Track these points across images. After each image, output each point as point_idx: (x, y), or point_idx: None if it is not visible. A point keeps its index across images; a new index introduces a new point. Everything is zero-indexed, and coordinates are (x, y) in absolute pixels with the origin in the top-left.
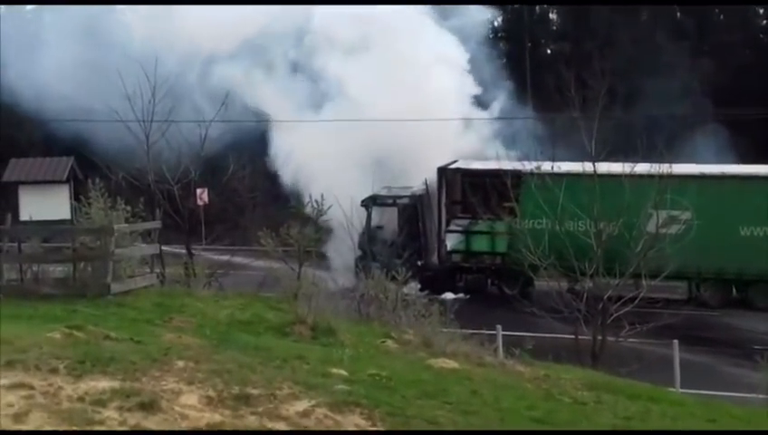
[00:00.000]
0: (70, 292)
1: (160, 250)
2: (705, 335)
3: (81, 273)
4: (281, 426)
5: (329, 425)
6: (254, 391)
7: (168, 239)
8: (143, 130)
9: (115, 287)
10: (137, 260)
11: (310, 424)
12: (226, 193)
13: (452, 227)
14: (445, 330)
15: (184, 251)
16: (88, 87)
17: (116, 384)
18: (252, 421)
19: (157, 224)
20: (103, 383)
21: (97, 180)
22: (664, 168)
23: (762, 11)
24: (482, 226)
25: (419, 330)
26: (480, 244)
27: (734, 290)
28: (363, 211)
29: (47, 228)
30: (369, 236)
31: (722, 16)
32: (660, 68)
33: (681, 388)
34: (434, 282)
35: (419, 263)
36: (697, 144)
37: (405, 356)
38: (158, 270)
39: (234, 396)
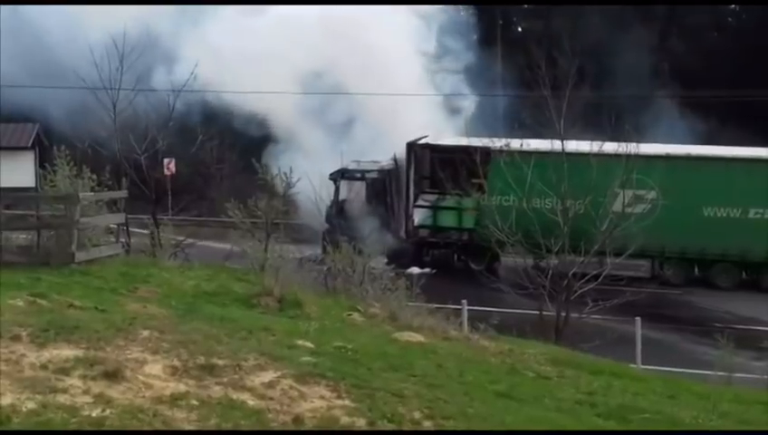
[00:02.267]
0: (34, 260)
1: (126, 219)
2: (666, 313)
3: (45, 241)
4: (246, 397)
5: (294, 396)
6: (220, 362)
7: (134, 209)
8: (110, 98)
9: (80, 256)
10: (102, 229)
11: (275, 395)
12: (194, 164)
13: (420, 203)
14: (411, 304)
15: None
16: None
17: (80, 353)
18: (217, 392)
19: (123, 193)
20: (67, 352)
21: (62, 148)
22: (631, 147)
23: None
24: (450, 201)
25: (386, 304)
26: (447, 219)
27: (696, 269)
28: (332, 184)
29: (10, 195)
30: (337, 210)
31: None
32: (629, 49)
33: (642, 364)
34: (401, 256)
35: (386, 237)
36: (664, 125)
37: (371, 329)
38: (123, 239)
39: (199, 366)
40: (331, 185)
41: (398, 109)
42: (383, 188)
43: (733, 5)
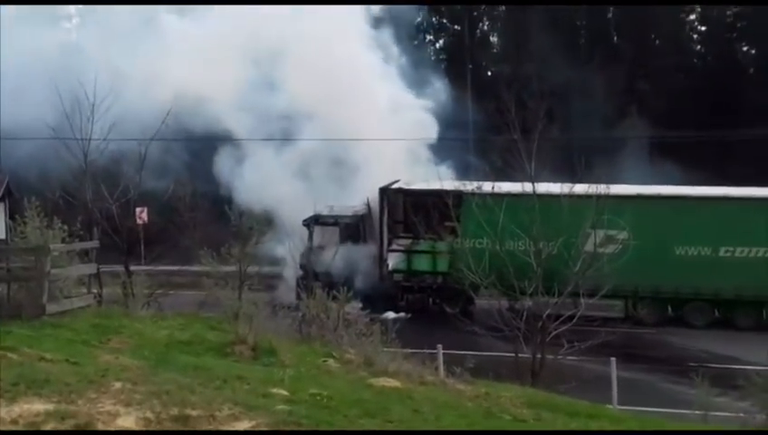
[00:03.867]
0: (4, 313)
1: (98, 270)
2: (641, 353)
3: (15, 293)
4: None
5: None
6: (194, 413)
7: (106, 259)
8: (81, 148)
9: (51, 308)
10: (73, 280)
11: None
12: (166, 212)
13: (394, 247)
14: (386, 349)
15: (123, 270)
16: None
17: (51, 407)
18: None
19: (94, 243)
20: (38, 406)
21: (33, 199)
22: (601, 188)
23: (696, 36)
24: (423, 245)
25: (361, 349)
26: (421, 263)
27: (669, 308)
28: (305, 230)
29: None
30: (311, 256)
31: (657, 41)
32: (597, 91)
33: (618, 405)
34: (375, 301)
35: (361, 282)
36: (633, 165)
37: (346, 376)
38: (95, 290)
39: (172, 417)
40: (305, 231)
41: (370, 154)
42: (357, 233)
43: (699, 46)
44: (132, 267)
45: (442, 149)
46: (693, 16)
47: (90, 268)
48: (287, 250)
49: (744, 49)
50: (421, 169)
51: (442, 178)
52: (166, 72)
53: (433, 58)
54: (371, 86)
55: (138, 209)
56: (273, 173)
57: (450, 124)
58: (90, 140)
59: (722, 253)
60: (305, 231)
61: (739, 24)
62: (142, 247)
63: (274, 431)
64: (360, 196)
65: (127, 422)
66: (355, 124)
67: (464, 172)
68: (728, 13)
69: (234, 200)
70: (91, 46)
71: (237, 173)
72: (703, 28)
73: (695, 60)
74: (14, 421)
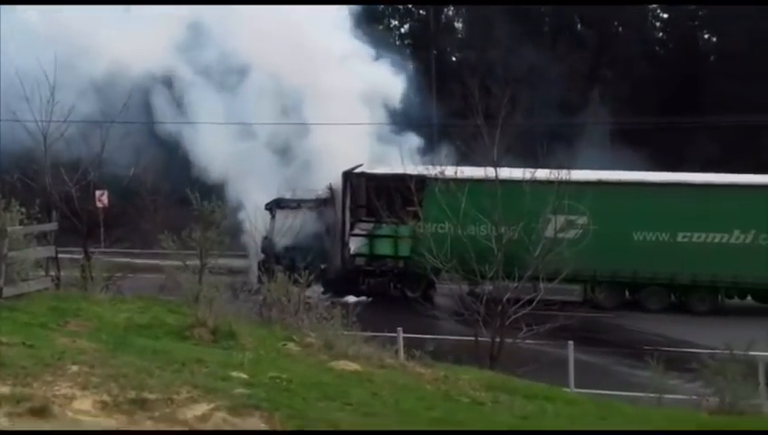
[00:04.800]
0: None
1: (56, 253)
2: (599, 337)
3: None
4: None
5: (228, 429)
6: (151, 396)
7: (65, 242)
8: (41, 131)
9: (8, 291)
10: (31, 263)
11: (208, 428)
12: (127, 195)
13: (356, 231)
14: (347, 333)
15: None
16: None
17: (6, 390)
18: (148, 426)
19: (53, 226)
20: None
21: None
22: (563, 174)
23: (658, 23)
24: (385, 230)
25: (321, 333)
26: (383, 247)
27: (627, 292)
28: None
29: None
30: (273, 240)
31: (620, 29)
32: (561, 78)
33: (575, 387)
34: (337, 285)
35: (322, 266)
36: (595, 151)
37: (306, 359)
38: (53, 273)
39: (129, 401)
40: (267, 215)
41: (333, 138)
42: (319, 217)
43: (661, 34)
44: (92, 250)
45: (405, 134)
46: (655, 4)
47: (48, 251)
48: (249, 234)
49: (706, 37)
50: (384, 153)
51: (405, 163)
52: (129, 49)
53: (398, 43)
54: (337, 72)
55: (98, 192)
56: (236, 156)
57: (414, 109)
58: (49, 121)
59: (679, 238)
60: (268, 215)
61: (701, 12)
62: (102, 231)
63: (275, 431)
64: (322, 179)
65: (83, 405)
66: (318, 110)
67: (427, 157)
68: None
69: (197, 183)
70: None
71: (200, 156)
72: (665, 16)
73: (657, 47)
74: None
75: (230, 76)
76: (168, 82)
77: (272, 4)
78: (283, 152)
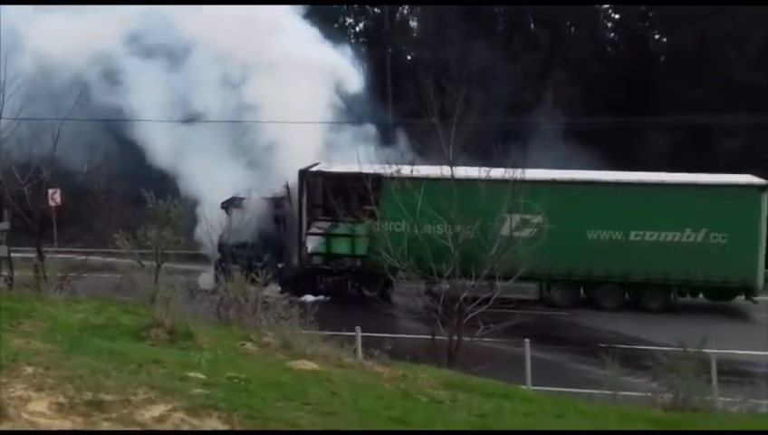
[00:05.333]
0: None
1: (8, 253)
2: (554, 334)
3: None
4: None
5: (186, 429)
6: (108, 397)
7: (17, 242)
8: None
9: None
10: None
11: (166, 429)
12: (80, 194)
13: (312, 230)
14: (305, 332)
15: (34, 254)
16: None
17: None
18: (105, 428)
19: (4, 225)
20: None
21: None
22: (517, 173)
23: (610, 24)
24: (342, 229)
25: (279, 332)
26: (340, 246)
27: (582, 291)
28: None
29: None
30: (229, 239)
31: (573, 29)
32: (515, 77)
33: (532, 385)
34: (294, 284)
35: (279, 265)
36: (549, 151)
37: (264, 359)
38: (5, 273)
39: (86, 402)
40: (223, 213)
41: (288, 136)
42: (276, 215)
43: (612, 35)
44: (45, 250)
45: (361, 132)
46: (607, 5)
47: (0, 251)
48: (205, 233)
49: (656, 37)
50: (340, 151)
51: (361, 161)
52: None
53: (353, 41)
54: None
55: (50, 191)
56: (192, 153)
57: (369, 107)
58: None
59: (632, 237)
60: (224, 213)
61: (651, 14)
62: (55, 230)
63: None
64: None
65: (39, 407)
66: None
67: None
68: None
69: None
70: None
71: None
72: (617, 16)
73: (609, 48)
74: None
75: (175, 54)
76: (110, 72)
77: (231, 4)
78: (237, 143)
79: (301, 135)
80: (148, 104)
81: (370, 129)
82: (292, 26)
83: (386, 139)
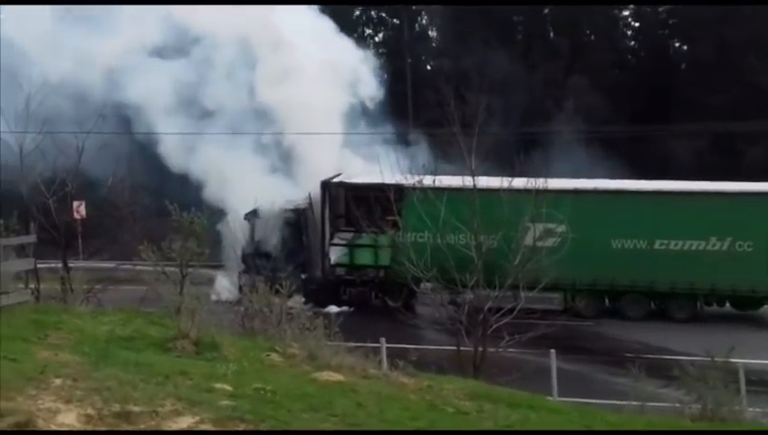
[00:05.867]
0: None
1: (35, 265)
2: (579, 345)
3: None
4: None
5: None
6: (136, 409)
7: (43, 254)
8: (16, 142)
9: None
10: (10, 276)
11: None
12: (105, 206)
13: (335, 241)
14: (329, 343)
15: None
16: None
17: None
18: None
19: (31, 238)
20: None
21: None
22: (540, 182)
23: (630, 32)
24: (365, 239)
25: (304, 343)
26: (364, 257)
27: (606, 300)
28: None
29: None
30: (253, 250)
31: (593, 37)
32: (535, 86)
33: (558, 396)
34: (318, 295)
35: (303, 276)
36: (571, 160)
37: (290, 370)
38: (32, 286)
39: (114, 414)
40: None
41: (311, 147)
42: (298, 226)
43: (632, 42)
44: (70, 262)
45: (382, 143)
46: (627, 12)
47: (27, 263)
48: (229, 244)
49: (677, 45)
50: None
51: (383, 172)
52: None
53: (372, 51)
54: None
55: (75, 203)
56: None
57: (390, 118)
58: (25, 133)
59: (657, 246)
60: (247, 224)
61: (671, 21)
62: (80, 242)
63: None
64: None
65: (68, 419)
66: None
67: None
68: (661, 9)
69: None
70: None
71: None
72: (637, 24)
73: (629, 56)
74: None
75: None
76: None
77: (252, 4)
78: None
79: (322, 146)
80: (170, 115)
81: (391, 139)
82: (314, 33)
83: (407, 149)
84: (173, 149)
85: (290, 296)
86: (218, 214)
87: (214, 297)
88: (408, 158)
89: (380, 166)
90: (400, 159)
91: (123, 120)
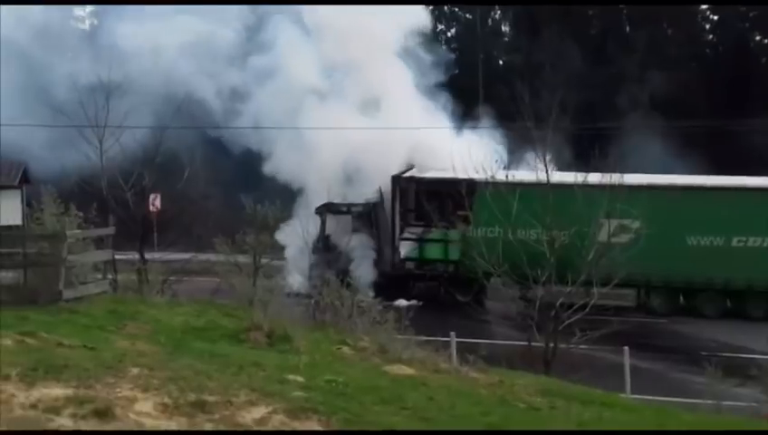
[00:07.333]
0: (20, 299)
1: (113, 256)
2: (653, 342)
3: (32, 279)
4: None
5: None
6: (211, 398)
7: (120, 246)
8: (96, 136)
9: (67, 294)
10: (89, 267)
11: (268, 430)
12: (180, 199)
13: (406, 235)
14: (400, 337)
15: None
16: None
17: (69, 391)
18: (208, 428)
19: (110, 230)
20: (56, 390)
21: (49, 186)
22: (615, 178)
23: (708, 26)
24: (435, 234)
25: (375, 336)
26: (433, 252)
27: (681, 298)
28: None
29: None
30: (324, 244)
31: (670, 31)
32: (610, 80)
33: (631, 394)
34: (387, 289)
35: (373, 270)
36: (646, 155)
37: (361, 363)
38: (110, 276)
39: (189, 403)
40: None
41: (383, 141)
42: (369, 221)
43: (711, 36)
44: (146, 254)
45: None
46: (705, 5)
47: (105, 255)
48: (300, 238)
49: (757, 38)
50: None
51: (455, 167)
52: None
53: (444, 47)
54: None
55: (151, 196)
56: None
57: (463, 113)
58: (105, 127)
59: (734, 243)
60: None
61: (752, 14)
62: (155, 234)
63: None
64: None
65: (145, 407)
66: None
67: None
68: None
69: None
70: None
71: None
72: (715, 17)
73: (707, 49)
74: (33, 406)
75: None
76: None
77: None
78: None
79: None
80: (257, 110)
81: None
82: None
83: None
84: (251, 145)
85: (360, 290)
86: (290, 208)
87: (286, 290)
88: (480, 152)
89: (452, 160)
90: (472, 154)
91: (200, 112)
